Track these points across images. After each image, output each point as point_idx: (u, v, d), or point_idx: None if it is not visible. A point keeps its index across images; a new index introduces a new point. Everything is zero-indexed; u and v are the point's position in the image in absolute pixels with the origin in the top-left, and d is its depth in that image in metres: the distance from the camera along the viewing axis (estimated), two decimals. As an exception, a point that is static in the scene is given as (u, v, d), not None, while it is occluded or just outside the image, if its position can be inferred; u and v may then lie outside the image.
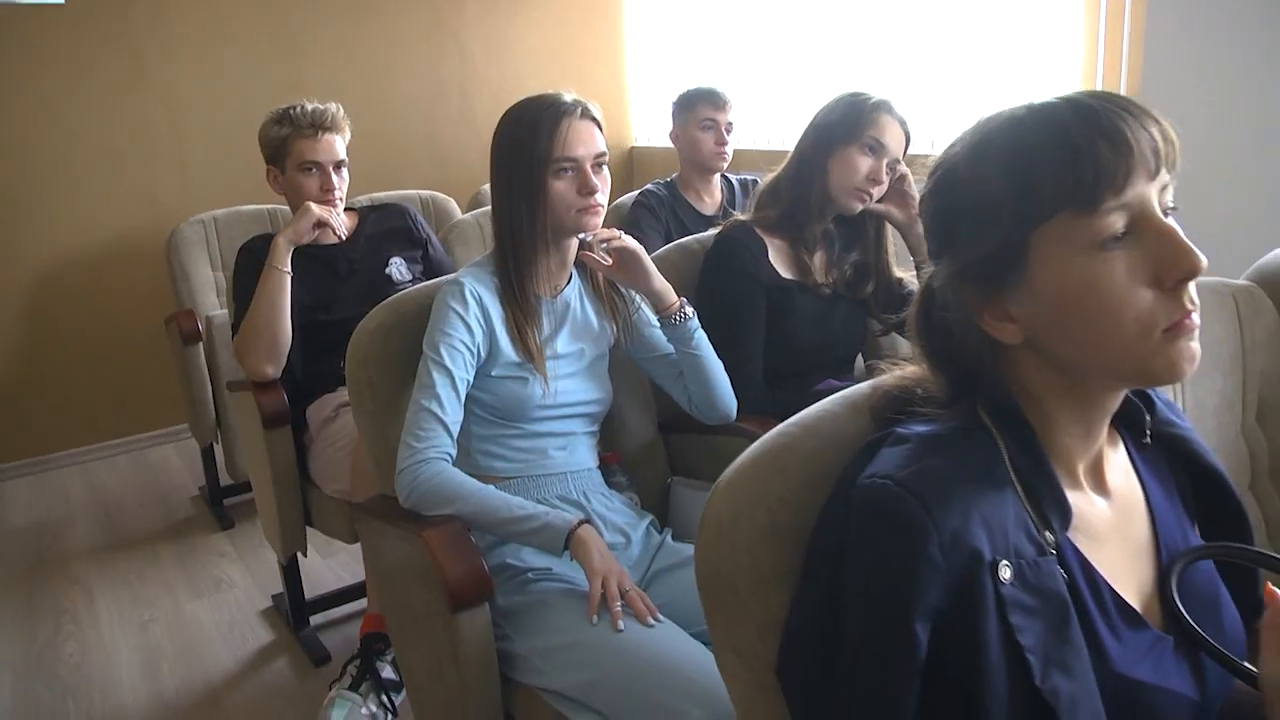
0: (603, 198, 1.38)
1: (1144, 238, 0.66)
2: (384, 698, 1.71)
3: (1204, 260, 0.66)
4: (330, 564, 2.50)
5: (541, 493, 1.40)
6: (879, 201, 1.74)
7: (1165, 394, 0.89)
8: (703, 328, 1.52)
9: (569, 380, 1.43)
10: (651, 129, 4.18)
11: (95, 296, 3.28)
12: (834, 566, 0.69)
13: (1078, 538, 0.72)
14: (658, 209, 2.53)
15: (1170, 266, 0.65)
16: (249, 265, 2.05)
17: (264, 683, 2.03)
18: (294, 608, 2.18)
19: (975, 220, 0.70)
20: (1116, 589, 0.72)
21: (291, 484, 1.99)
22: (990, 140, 0.70)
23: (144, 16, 3.25)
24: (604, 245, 1.42)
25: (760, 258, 1.69)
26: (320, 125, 2.08)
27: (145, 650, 2.18)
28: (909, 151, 1.80)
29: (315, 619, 2.21)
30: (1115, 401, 0.74)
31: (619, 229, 1.48)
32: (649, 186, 2.60)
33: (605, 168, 1.41)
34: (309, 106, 2.10)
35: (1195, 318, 0.66)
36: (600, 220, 1.40)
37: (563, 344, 1.44)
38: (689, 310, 1.48)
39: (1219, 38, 2.26)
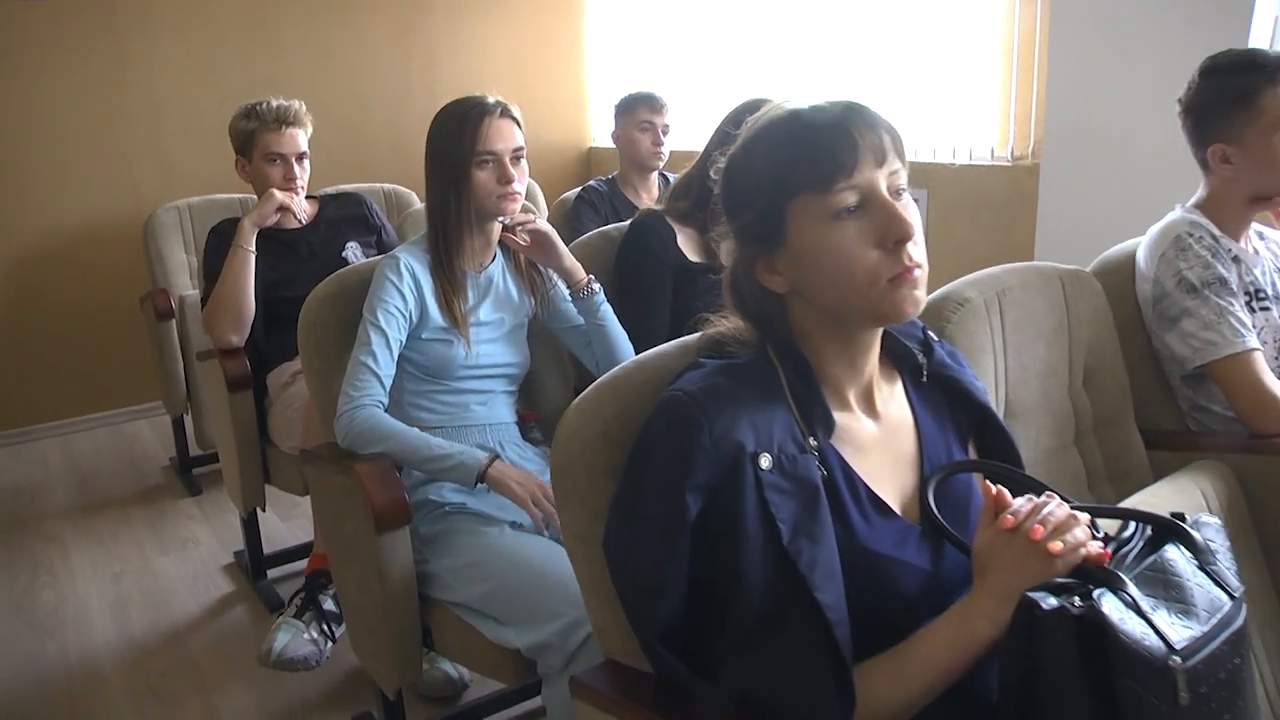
0: (519, 187, 1.61)
1: (871, 211, 0.88)
2: (324, 626, 1.93)
3: (915, 227, 0.88)
4: (289, 525, 2.71)
5: (463, 441, 1.62)
6: None
7: (950, 346, 1.11)
8: (617, 304, 1.74)
9: (490, 345, 1.66)
10: (609, 130, 4.40)
11: (76, 278, 3.48)
12: (640, 461, 0.92)
13: (843, 447, 0.94)
14: (598, 204, 2.75)
15: (888, 233, 0.87)
16: (217, 245, 2.27)
17: (223, 627, 2.24)
18: (253, 561, 2.39)
19: (746, 197, 0.93)
20: (874, 488, 0.94)
21: (252, 443, 2.20)
22: (758, 136, 0.93)
23: (128, 13, 3.45)
24: (521, 227, 1.65)
25: (669, 243, 1.92)
26: (284, 120, 2.30)
27: (116, 599, 2.38)
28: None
29: (272, 572, 2.42)
30: (872, 340, 0.96)
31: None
32: (590, 183, 2.83)
33: (523, 161, 1.64)
34: (274, 103, 2.31)
35: (918, 273, 0.88)
36: (517, 206, 1.62)
37: (485, 313, 1.67)
38: (596, 286, 1.71)
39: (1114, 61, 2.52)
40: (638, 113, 2.75)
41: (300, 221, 2.34)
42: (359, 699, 1.89)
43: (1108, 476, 1.55)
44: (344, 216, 2.43)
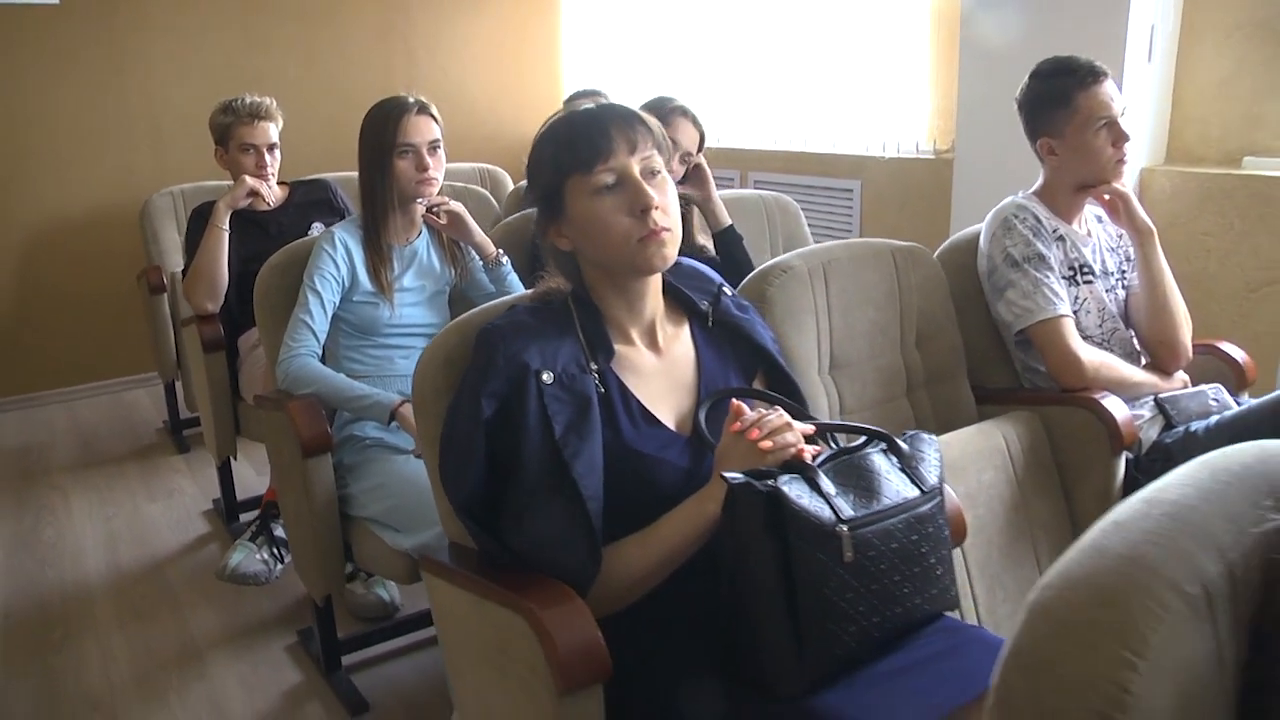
0: (435, 174, 1.88)
1: (625, 187, 1.13)
2: (274, 550, 2.22)
3: (655, 198, 1.13)
4: (262, 478, 2.99)
5: (387, 389, 1.89)
6: (681, 184, 2.22)
7: (742, 300, 1.37)
8: (529, 274, 2.00)
9: (412, 308, 1.93)
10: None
11: (79, 258, 3.78)
12: (461, 377, 1.18)
13: (623, 372, 1.20)
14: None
15: (636, 203, 1.13)
16: (197, 224, 2.55)
17: (198, 560, 2.53)
18: (227, 506, 2.68)
19: (537, 178, 1.19)
20: (648, 405, 1.19)
21: (225, 397, 2.49)
22: (545, 131, 1.19)
23: (127, 15, 3.75)
24: (438, 208, 1.92)
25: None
26: (257, 114, 2.58)
27: (108, 536, 2.68)
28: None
29: (245, 516, 2.70)
30: (645, 288, 1.21)
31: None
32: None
33: (440, 151, 1.91)
34: (249, 99, 2.59)
35: (664, 235, 1.14)
36: (433, 190, 1.90)
37: (408, 280, 1.94)
38: (504, 259, 1.97)
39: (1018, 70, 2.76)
40: (576, 105, 3.01)
41: (270, 205, 2.62)
42: (305, 618, 2.17)
43: (936, 427, 1.80)
44: (310, 200, 2.71)
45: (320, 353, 1.85)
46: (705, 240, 2.30)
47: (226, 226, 2.49)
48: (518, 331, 1.16)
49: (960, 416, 1.81)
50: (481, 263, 1.99)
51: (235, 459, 2.62)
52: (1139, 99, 2.64)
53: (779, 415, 1.11)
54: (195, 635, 2.18)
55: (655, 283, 1.23)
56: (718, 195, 2.18)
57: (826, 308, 1.61)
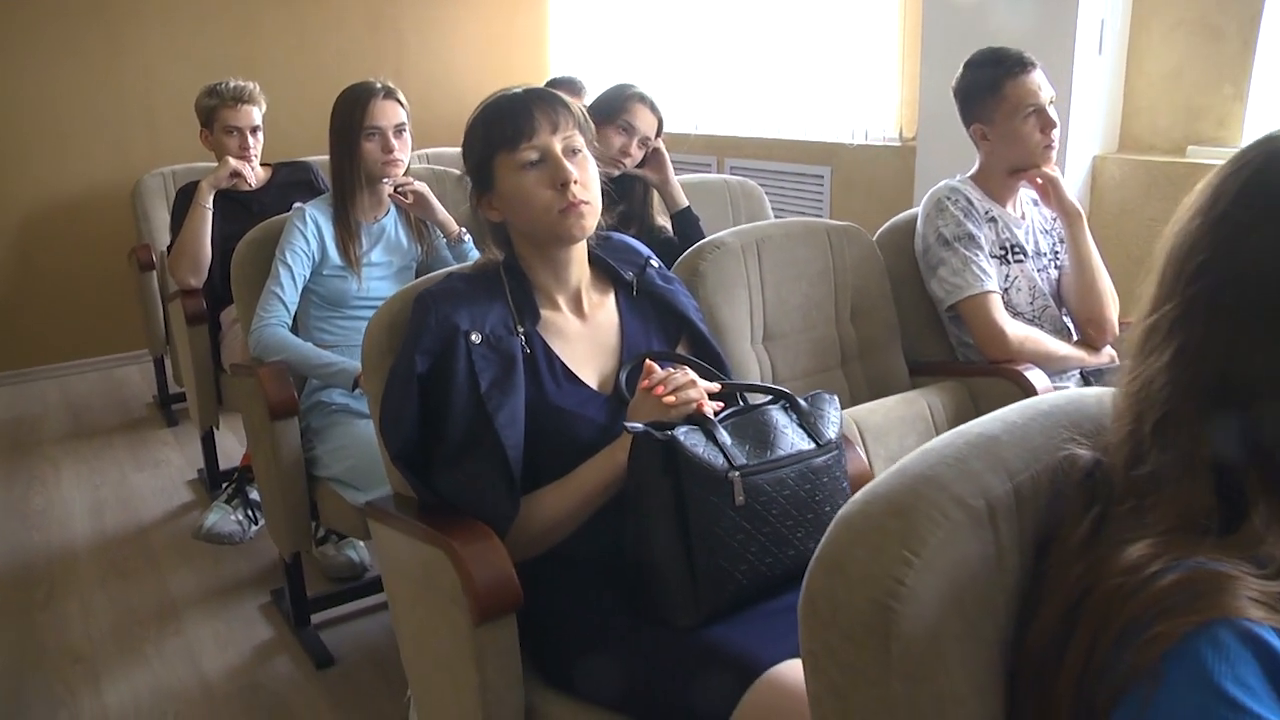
0: (400, 155, 1.98)
1: (547, 163, 1.23)
2: (248, 511, 2.34)
3: (574, 173, 1.23)
4: (244, 448, 3.10)
5: (355, 359, 1.99)
6: (641, 166, 2.31)
7: (668, 273, 1.47)
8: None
9: (379, 281, 2.03)
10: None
11: (73, 236, 3.89)
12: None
13: (548, 335, 1.30)
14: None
15: (556, 178, 1.23)
16: (182, 203, 2.66)
17: (180, 525, 2.64)
18: (210, 475, 2.79)
19: (470, 155, 1.29)
20: (571, 366, 1.29)
21: (207, 368, 2.59)
22: (478, 113, 1.29)
23: (123, 2, 3.84)
24: (403, 188, 2.02)
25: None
26: (240, 98, 2.68)
27: (95, 504, 2.79)
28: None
29: (226, 484, 2.82)
30: (569, 258, 1.31)
31: None
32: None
33: (406, 134, 2.00)
34: (233, 83, 2.69)
35: (582, 207, 1.24)
36: (399, 170, 2.00)
37: (376, 255, 2.04)
38: (465, 237, 2.07)
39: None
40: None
41: (252, 185, 2.72)
42: (279, 579, 2.28)
43: (870, 397, 1.90)
44: (292, 181, 2.81)
45: (290, 323, 1.96)
46: (664, 221, 2.40)
47: (210, 205, 2.59)
48: (450, 296, 1.26)
49: (893, 387, 1.91)
50: (445, 240, 2.09)
51: (218, 429, 2.73)
52: (1090, 89, 2.73)
53: (684, 374, 1.22)
54: (174, 594, 2.29)
55: (580, 253, 1.33)
56: (675, 179, 2.27)
57: (759, 282, 1.71)
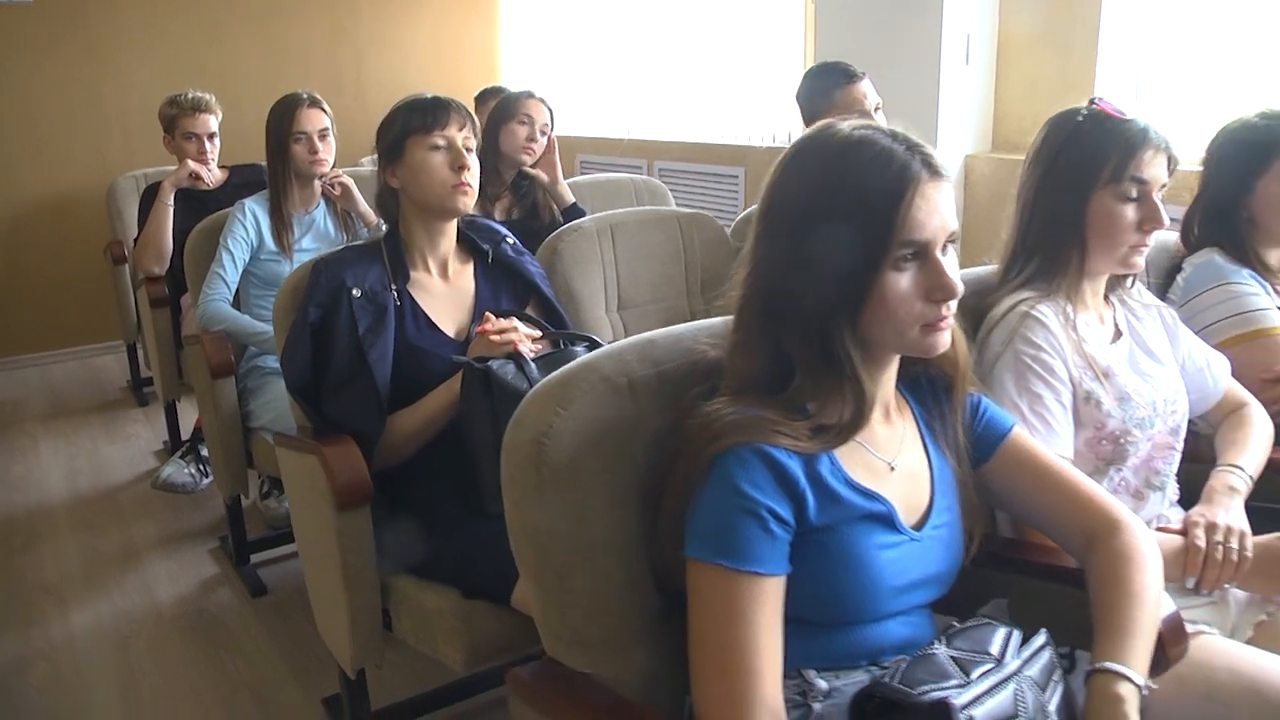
0: (325, 156, 2.32)
1: (450, 151, 1.56)
2: (200, 465, 2.68)
3: (470, 162, 1.57)
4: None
5: (286, 330, 2.33)
6: (533, 166, 2.63)
7: (521, 248, 1.80)
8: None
9: (308, 264, 2.37)
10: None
11: (53, 234, 4.22)
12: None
13: (417, 292, 1.63)
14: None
15: (454, 163, 1.56)
16: (147, 200, 2.99)
17: (145, 487, 2.96)
18: (174, 443, 3.12)
19: (387, 131, 1.62)
20: (432, 317, 1.63)
21: (169, 347, 2.92)
22: (402, 103, 1.62)
23: (98, 12, 4.19)
24: (330, 180, 2.36)
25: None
26: (198, 107, 3.01)
27: (70, 471, 3.12)
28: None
29: (190, 452, 3.15)
30: (445, 227, 1.64)
31: None
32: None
33: (329, 138, 2.34)
34: (191, 94, 3.03)
35: (469, 189, 1.58)
36: (323, 169, 2.34)
37: (306, 242, 2.38)
38: (385, 227, 2.40)
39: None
40: (486, 100, 3.44)
41: (210, 185, 3.05)
42: (226, 527, 2.61)
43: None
44: (246, 182, 3.12)
45: (231, 299, 2.30)
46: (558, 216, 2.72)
47: (171, 202, 2.93)
48: (339, 261, 1.61)
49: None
50: (365, 229, 2.43)
51: (179, 401, 3.06)
52: (960, 95, 3.07)
53: (510, 322, 1.55)
54: (135, 541, 2.62)
55: (452, 227, 1.68)
56: (562, 179, 2.60)
57: (613, 260, 2.04)
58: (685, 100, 4.14)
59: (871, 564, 0.93)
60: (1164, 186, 1.32)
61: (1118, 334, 1.39)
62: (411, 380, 1.57)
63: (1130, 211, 1.29)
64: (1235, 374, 1.59)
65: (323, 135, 2.34)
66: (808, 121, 2.30)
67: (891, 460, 0.99)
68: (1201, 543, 1.25)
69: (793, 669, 0.92)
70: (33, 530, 2.70)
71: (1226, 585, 1.27)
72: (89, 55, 4.20)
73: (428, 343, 1.61)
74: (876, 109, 2.26)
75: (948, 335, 0.95)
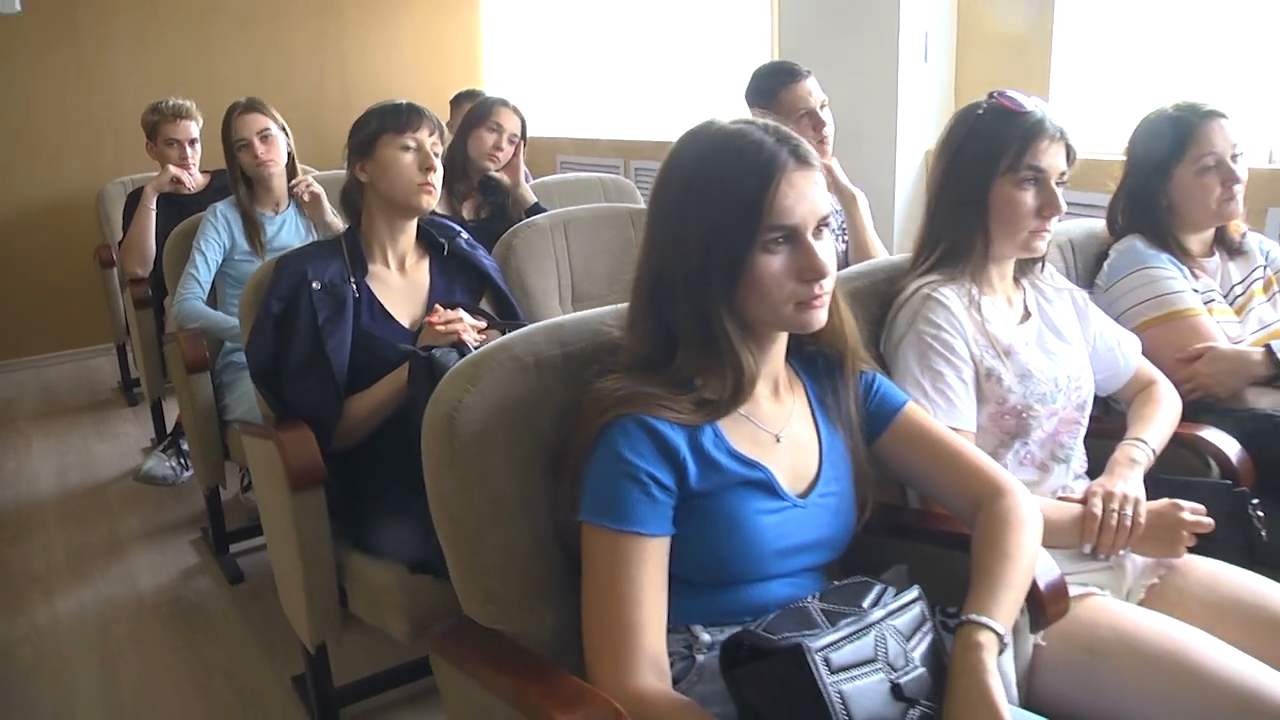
0: (268, 156, 2.44)
1: (419, 152, 1.65)
2: (180, 459, 2.77)
3: (437, 165, 1.66)
4: (197, 422, 3.53)
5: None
6: (499, 170, 2.71)
7: (475, 242, 1.88)
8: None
9: (280, 263, 2.46)
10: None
11: (46, 239, 4.32)
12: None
13: (375, 285, 1.72)
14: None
15: (423, 165, 1.65)
16: (131, 204, 3.09)
17: (132, 482, 3.05)
18: (160, 439, 3.21)
19: (362, 128, 1.70)
20: (390, 309, 1.71)
21: (153, 345, 3.01)
22: (377, 106, 1.70)
23: (86, 22, 4.29)
24: (299, 187, 2.45)
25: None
26: (179, 114, 3.10)
27: (60, 467, 3.22)
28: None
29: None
30: (406, 225, 1.73)
31: None
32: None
33: (270, 137, 2.45)
34: (172, 101, 3.12)
35: (433, 190, 1.66)
36: (270, 169, 2.47)
37: (278, 243, 2.47)
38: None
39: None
40: (461, 103, 3.53)
41: (191, 189, 3.14)
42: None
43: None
44: (227, 185, 3.22)
45: (205, 298, 2.39)
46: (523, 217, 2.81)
47: (153, 207, 3.02)
48: (301, 257, 1.70)
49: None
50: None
51: (165, 399, 3.15)
52: (919, 92, 3.14)
53: (455, 313, 1.64)
54: (120, 533, 2.71)
55: (412, 224, 1.77)
56: (524, 182, 2.68)
57: (567, 255, 2.12)
58: (660, 100, 4.22)
59: (751, 527, 1.00)
60: (1063, 174, 1.39)
61: (1026, 315, 1.47)
62: (367, 367, 1.66)
63: (1029, 198, 1.36)
64: (1153, 354, 1.67)
65: (263, 136, 2.44)
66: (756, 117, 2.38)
67: (777, 432, 1.07)
68: (1098, 510, 1.32)
69: (680, 624, 1.00)
70: (22, 523, 2.80)
71: (1122, 551, 1.35)
72: (78, 64, 4.31)
73: (382, 332, 1.69)
74: (822, 106, 2.33)
75: (822, 313, 1.02)
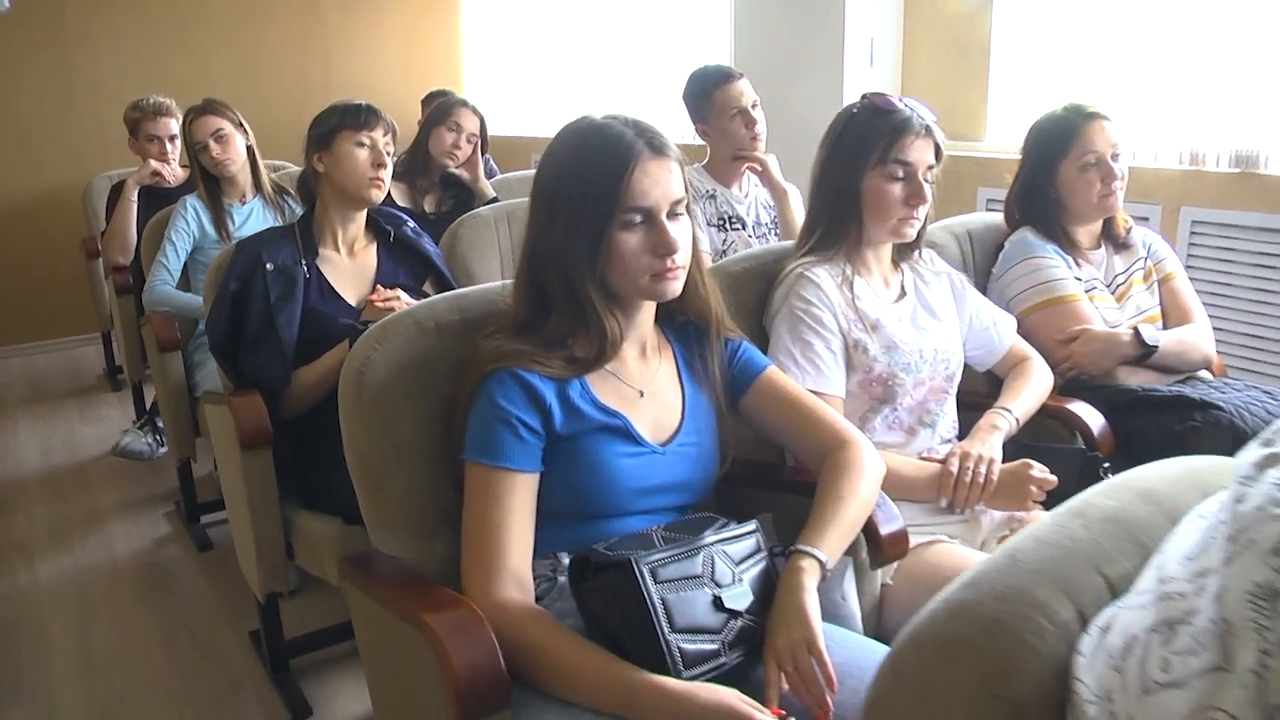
0: (224, 156, 2.61)
1: (373, 149, 1.83)
2: (156, 435, 2.93)
3: (388, 163, 1.83)
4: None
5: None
6: (459, 167, 2.87)
7: (420, 230, 2.05)
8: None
9: (249, 251, 2.63)
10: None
11: (34, 232, 4.49)
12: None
13: (325, 267, 1.88)
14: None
15: (374, 160, 1.83)
16: (113, 197, 3.25)
17: (113, 461, 3.21)
18: (139, 415, 3.37)
19: (323, 122, 1.87)
20: (338, 289, 1.88)
21: (134, 330, 3.15)
22: (337, 104, 1.87)
23: (74, 22, 4.46)
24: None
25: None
26: (160, 112, 3.27)
27: (45, 448, 3.38)
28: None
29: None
30: (356, 214, 1.90)
31: None
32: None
33: (224, 137, 2.62)
34: (153, 99, 3.29)
35: (382, 184, 1.83)
36: (232, 168, 2.64)
37: (244, 230, 2.63)
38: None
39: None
40: (433, 100, 3.68)
41: (171, 183, 3.30)
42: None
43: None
44: (206, 179, 3.40)
45: (174, 283, 2.56)
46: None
47: (134, 199, 3.18)
48: (258, 240, 1.87)
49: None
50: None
51: (145, 383, 3.31)
52: (865, 95, 3.30)
53: (394, 292, 1.80)
54: (99, 506, 2.87)
55: (362, 213, 1.94)
56: (483, 178, 2.84)
57: (510, 243, 2.28)
58: (629, 100, 4.38)
59: (610, 467, 1.16)
60: (931, 168, 1.56)
61: (902, 294, 1.63)
62: (315, 341, 1.82)
63: (897, 189, 1.52)
64: (1036, 336, 1.83)
65: (218, 137, 2.62)
66: (694, 120, 2.54)
67: (642, 388, 1.23)
68: (954, 469, 1.48)
69: (549, 551, 1.16)
70: (6, 497, 2.96)
71: (979, 507, 1.51)
72: (66, 62, 4.47)
73: (330, 309, 1.86)
74: (754, 105, 2.48)
75: (676, 284, 1.18)
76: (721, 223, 2.53)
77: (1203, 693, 0.48)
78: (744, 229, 2.55)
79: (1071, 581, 0.59)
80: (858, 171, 1.53)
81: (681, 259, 1.17)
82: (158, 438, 2.99)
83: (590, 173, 1.14)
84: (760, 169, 2.53)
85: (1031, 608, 0.56)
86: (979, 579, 0.60)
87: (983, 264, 2.05)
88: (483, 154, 2.98)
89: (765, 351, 1.46)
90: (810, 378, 1.46)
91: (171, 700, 1.97)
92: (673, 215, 1.17)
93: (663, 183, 1.15)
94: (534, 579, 1.13)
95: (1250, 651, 0.47)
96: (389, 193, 2.82)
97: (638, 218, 1.14)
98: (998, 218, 2.10)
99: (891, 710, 0.55)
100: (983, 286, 1.96)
